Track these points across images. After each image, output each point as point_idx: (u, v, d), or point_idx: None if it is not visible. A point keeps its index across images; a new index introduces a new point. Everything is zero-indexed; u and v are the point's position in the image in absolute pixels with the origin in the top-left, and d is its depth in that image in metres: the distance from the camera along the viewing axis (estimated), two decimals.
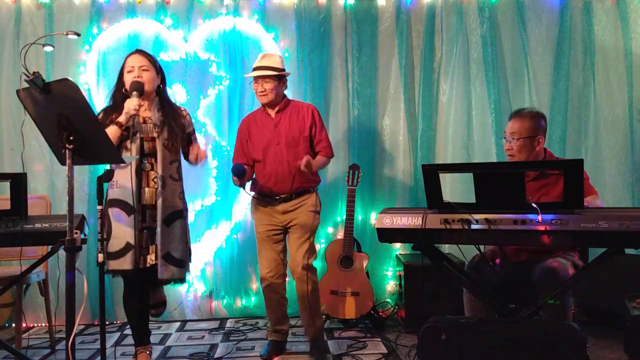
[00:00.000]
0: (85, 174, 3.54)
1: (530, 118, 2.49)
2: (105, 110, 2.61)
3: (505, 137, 2.55)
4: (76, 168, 2.01)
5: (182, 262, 2.59)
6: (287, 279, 2.94)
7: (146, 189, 2.55)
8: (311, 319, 2.86)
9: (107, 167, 2.49)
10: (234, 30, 3.67)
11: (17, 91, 1.99)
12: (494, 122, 3.68)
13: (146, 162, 2.56)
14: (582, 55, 3.71)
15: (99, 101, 3.60)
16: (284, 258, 2.89)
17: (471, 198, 2.00)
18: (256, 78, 2.77)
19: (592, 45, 3.70)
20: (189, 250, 2.69)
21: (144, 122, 2.58)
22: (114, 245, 2.50)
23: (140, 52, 2.65)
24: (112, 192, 2.56)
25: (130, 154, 2.52)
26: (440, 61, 3.76)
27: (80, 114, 1.89)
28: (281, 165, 2.77)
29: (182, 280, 2.63)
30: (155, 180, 2.55)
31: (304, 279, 2.77)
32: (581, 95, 3.71)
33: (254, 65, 2.81)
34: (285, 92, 2.91)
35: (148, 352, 2.69)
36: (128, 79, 2.54)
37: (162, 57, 3.62)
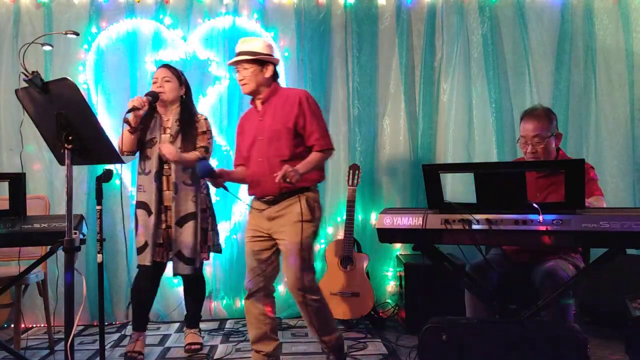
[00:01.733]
0: (84, 174, 3.53)
1: (546, 116, 2.47)
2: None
3: (524, 141, 2.46)
4: (75, 168, 2.00)
5: (191, 260, 2.84)
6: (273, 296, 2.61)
7: (167, 192, 2.85)
8: (324, 336, 2.51)
9: (106, 166, 2.49)
10: (233, 29, 3.65)
11: (16, 91, 1.98)
12: (494, 121, 3.67)
13: (166, 167, 2.83)
14: (583, 55, 3.70)
15: (98, 100, 3.60)
16: (266, 270, 2.48)
17: (472, 198, 1.99)
18: (236, 66, 2.48)
19: (593, 45, 3.69)
20: (208, 247, 2.95)
21: (164, 132, 2.85)
22: (138, 242, 2.84)
23: (165, 65, 2.94)
24: (139, 195, 2.88)
25: (151, 162, 2.80)
26: (440, 61, 3.75)
27: (79, 113, 1.88)
28: (262, 163, 2.44)
29: (192, 275, 2.90)
30: (171, 185, 2.82)
31: (302, 302, 2.42)
32: (582, 95, 3.70)
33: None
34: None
35: (143, 340, 2.90)
36: (152, 89, 2.84)
37: (162, 56, 3.61)
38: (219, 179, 2.40)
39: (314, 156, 2.42)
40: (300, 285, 2.38)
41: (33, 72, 1.84)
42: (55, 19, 3.58)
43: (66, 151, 1.88)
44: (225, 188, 2.44)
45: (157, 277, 2.91)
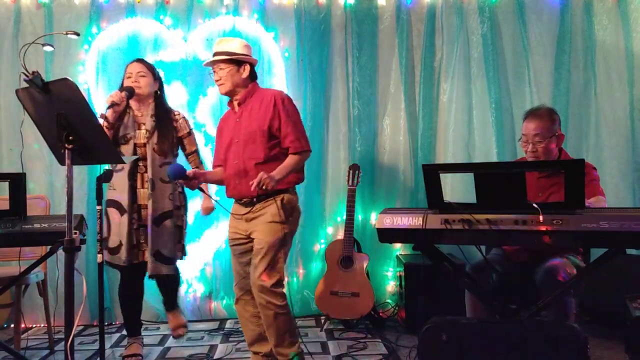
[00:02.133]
0: (84, 174, 3.53)
1: (548, 116, 2.49)
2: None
3: (525, 139, 2.48)
4: (75, 168, 2.00)
5: (170, 260, 2.78)
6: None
7: (141, 190, 2.77)
8: (279, 348, 2.40)
9: (106, 167, 2.49)
10: (233, 30, 3.65)
11: (17, 91, 1.98)
12: (494, 121, 3.66)
13: (141, 164, 2.76)
14: (583, 55, 3.70)
15: (98, 101, 3.60)
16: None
17: (472, 198, 1.99)
18: (213, 67, 2.47)
19: (593, 45, 3.69)
20: (182, 246, 2.87)
21: (139, 128, 2.79)
22: (112, 242, 2.74)
23: (138, 60, 2.89)
24: (110, 193, 2.78)
25: (124, 159, 2.68)
26: (440, 61, 3.75)
27: (80, 113, 1.87)
28: (237, 165, 2.43)
29: (171, 276, 2.83)
30: (148, 182, 2.74)
31: (261, 303, 2.35)
32: (582, 95, 3.70)
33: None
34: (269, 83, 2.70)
35: (139, 343, 2.85)
36: (127, 84, 2.77)
37: (162, 56, 3.61)
38: (194, 180, 2.37)
39: (290, 160, 2.38)
40: (262, 285, 2.32)
41: (33, 72, 1.83)
42: (56, 19, 3.58)
43: (66, 151, 1.88)
44: (202, 190, 2.46)
45: (141, 278, 2.83)
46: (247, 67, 2.46)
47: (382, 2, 3.75)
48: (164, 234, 2.74)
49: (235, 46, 2.45)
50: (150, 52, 3.61)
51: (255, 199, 2.41)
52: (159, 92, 2.87)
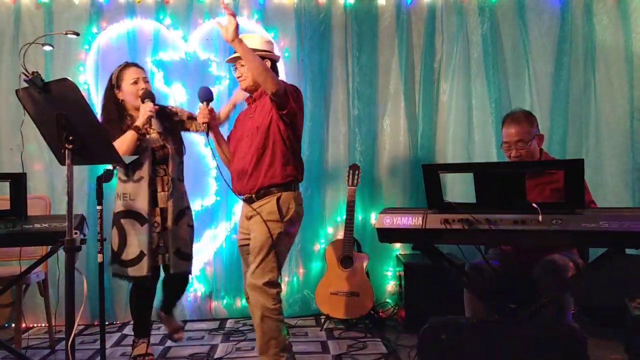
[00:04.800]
0: (85, 174, 3.53)
1: (526, 120, 2.50)
2: (109, 121, 2.68)
3: (507, 146, 2.49)
4: (75, 168, 2.00)
5: (189, 256, 2.80)
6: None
7: (162, 193, 2.72)
8: (262, 355, 2.32)
9: (107, 166, 2.49)
10: None
11: (17, 91, 1.98)
12: (494, 122, 3.67)
13: (159, 168, 2.72)
14: (583, 55, 3.70)
15: (99, 101, 3.59)
16: None
17: (471, 198, 2.00)
18: (235, 64, 2.48)
19: (593, 45, 3.69)
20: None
21: (147, 132, 2.71)
22: (130, 253, 2.65)
23: (135, 64, 2.79)
24: (125, 204, 2.67)
25: (143, 169, 2.65)
26: (440, 61, 3.75)
27: (80, 113, 1.88)
28: (240, 159, 2.45)
29: (186, 279, 2.88)
30: (168, 184, 2.72)
31: (251, 302, 2.34)
32: (582, 95, 3.70)
33: None
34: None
35: (146, 342, 2.82)
36: (132, 90, 2.68)
37: (162, 56, 3.62)
38: (214, 119, 2.46)
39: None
40: (253, 283, 2.30)
41: (33, 72, 1.84)
42: (56, 19, 3.58)
43: (66, 151, 1.88)
44: (207, 134, 2.45)
45: (155, 283, 2.80)
46: (267, 63, 2.40)
47: (382, 2, 3.75)
48: (182, 232, 2.76)
49: (255, 42, 2.45)
50: (150, 52, 3.61)
51: (254, 197, 2.40)
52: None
